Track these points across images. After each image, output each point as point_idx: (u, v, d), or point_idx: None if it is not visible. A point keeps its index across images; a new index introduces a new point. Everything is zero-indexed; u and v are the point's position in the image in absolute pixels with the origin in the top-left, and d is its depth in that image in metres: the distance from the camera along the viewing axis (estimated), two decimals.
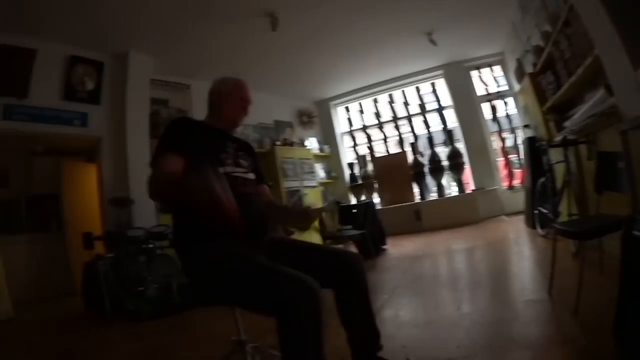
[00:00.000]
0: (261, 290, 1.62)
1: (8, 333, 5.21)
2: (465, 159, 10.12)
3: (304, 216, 2.26)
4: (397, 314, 3.30)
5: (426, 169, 10.35)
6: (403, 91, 11.32)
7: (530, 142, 6.62)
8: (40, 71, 6.19)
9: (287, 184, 9.42)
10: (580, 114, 4.16)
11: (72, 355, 3.84)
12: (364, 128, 11.91)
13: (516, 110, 9.64)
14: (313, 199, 9.94)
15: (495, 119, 10.26)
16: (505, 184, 10.15)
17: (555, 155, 5.06)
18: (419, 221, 9.81)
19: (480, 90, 10.42)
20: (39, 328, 5.38)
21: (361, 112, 11.96)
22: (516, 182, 9.88)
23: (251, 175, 2.28)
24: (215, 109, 2.33)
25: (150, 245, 5.84)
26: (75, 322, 5.45)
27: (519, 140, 9.71)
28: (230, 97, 2.30)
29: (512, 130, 10.12)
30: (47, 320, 5.83)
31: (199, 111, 2.21)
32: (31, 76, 6.11)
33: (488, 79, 10.40)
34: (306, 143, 11.12)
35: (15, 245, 7.69)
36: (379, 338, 2.04)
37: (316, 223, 9.17)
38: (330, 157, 12.09)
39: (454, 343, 2.39)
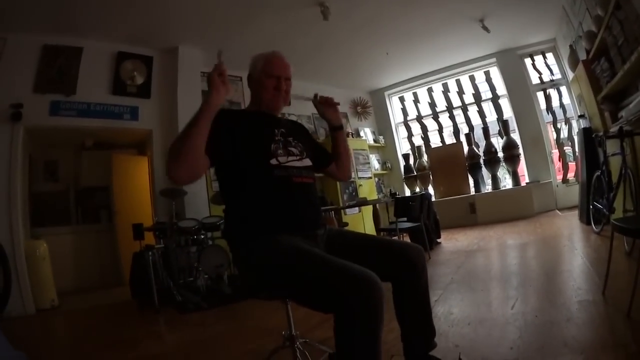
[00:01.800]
0: (317, 285, 1.55)
1: (52, 321, 5.39)
2: (520, 150, 9.91)
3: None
4: (451, 310, 3.26)
5: (481, 161, 10.22)
6: (457, 80, 11.17)
7: (586, 133, 6.43)
8: (87, 68, 6.46)
9: None
10: (635, 103, 4.03)
11: (117, 344, 3.93)
12: (419, 118, 11.77)
13: (570, 99, 9.36)
14: (367, 190, 10.02)
15: (549, 109, 9.99)
16: (558, 177, 9.90)
17: (611, 147, 4.89)
18: (474, 214, 9.74)
19: (534, 79, 10.15)
20: (84, 317, 5.56)
21: (416, 101, 11.82)
22: (570, 175, 9.62)
23: (307, 162, 2.11)
24: (253, 93, 2.18)
25: (202, 236, 5.97)
26: (121, 312, 5.61)
27: (573, 132, 9.45)
28: (262, 78, 2.09)
29: (567, 121, 9.83)
30: (93, 309, 6.02)
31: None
32: (79, 73, 6.36)
33: (542, 67, 10.12)
34: (361, 134, 11.19)
35: (63, 236, 8.07)
36: (434, 336, 1.98)
37: (370, 215, 9.21)
38: (385, 148, 12.17)
39: (507, 343, 2.35)
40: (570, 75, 7.84)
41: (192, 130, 1.71)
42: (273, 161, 1.96)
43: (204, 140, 1.74)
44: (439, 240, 7.60)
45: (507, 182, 10.48)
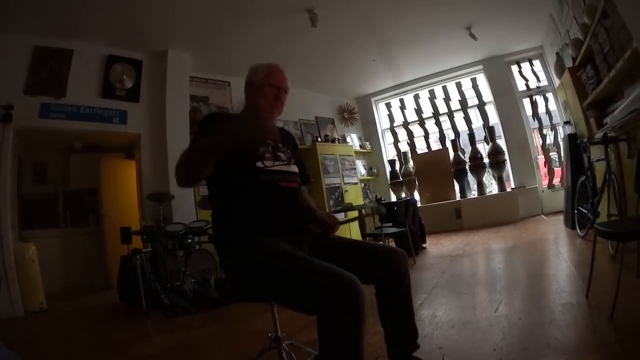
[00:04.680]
0: (301, 287, 1.59)
1: (41, 324, 5.34)
2: (506, 156, 9.95)
3: (327, 225, 2.22)
4: (435, 313, 3.28)
5: (467, 166, 10.24)
6: (444, 87, 11.22)
7: (571, 139, 6.50)
8: (77, 71, 6.42)
9: (328, 180, 9.54)
10: (620, 110, 4.07)
11: (106, 347, 3.93)
12: (405, 124, 11.82)
13: (556, 106, 9.45)
14: (353, 196, 10.01)
15: (535, 115, 10.07)
16: (544, 182, 9.99)
17: (595, 153, 4.96)
18: (459, 219, 9.75)
19: (520, 86, 10.24)
20: (72, 320, 5.52)
21: (402, 108, 11.87)
22: (555, 180, 9.71)
23: (293, 168, 2.16)
24: (249, 99, 2.22)
25: (189, 240, 5.96)
26: (109, 315, 5.58)
27: (559, 138, 9.54)
28: (262, 87, 2.14)
29: (552, 127, 9.93)
30: (81, 312, 5.99)
31: (239, 108, 2.16)
32: (69, 76, 6.33)
33: (528, 74, 10.21)
34: (347, 139, 11.21)
35: (51, 239, 8.02)
36: (416, 337, 2.00)
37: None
38: (371, 154, 12.20)
39: (490, 345, 2.37)
40: (557, 82, 7.90)
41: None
42: (259, 164, 2.00)
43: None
44: (424, 245, 7.61)
45: (492, 188, 10.54)
